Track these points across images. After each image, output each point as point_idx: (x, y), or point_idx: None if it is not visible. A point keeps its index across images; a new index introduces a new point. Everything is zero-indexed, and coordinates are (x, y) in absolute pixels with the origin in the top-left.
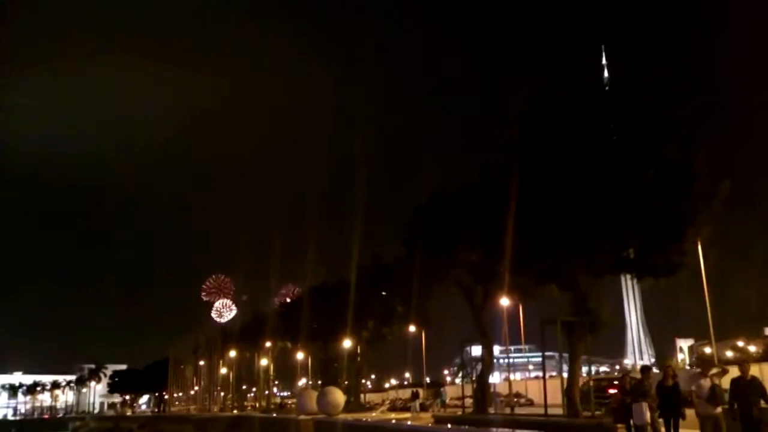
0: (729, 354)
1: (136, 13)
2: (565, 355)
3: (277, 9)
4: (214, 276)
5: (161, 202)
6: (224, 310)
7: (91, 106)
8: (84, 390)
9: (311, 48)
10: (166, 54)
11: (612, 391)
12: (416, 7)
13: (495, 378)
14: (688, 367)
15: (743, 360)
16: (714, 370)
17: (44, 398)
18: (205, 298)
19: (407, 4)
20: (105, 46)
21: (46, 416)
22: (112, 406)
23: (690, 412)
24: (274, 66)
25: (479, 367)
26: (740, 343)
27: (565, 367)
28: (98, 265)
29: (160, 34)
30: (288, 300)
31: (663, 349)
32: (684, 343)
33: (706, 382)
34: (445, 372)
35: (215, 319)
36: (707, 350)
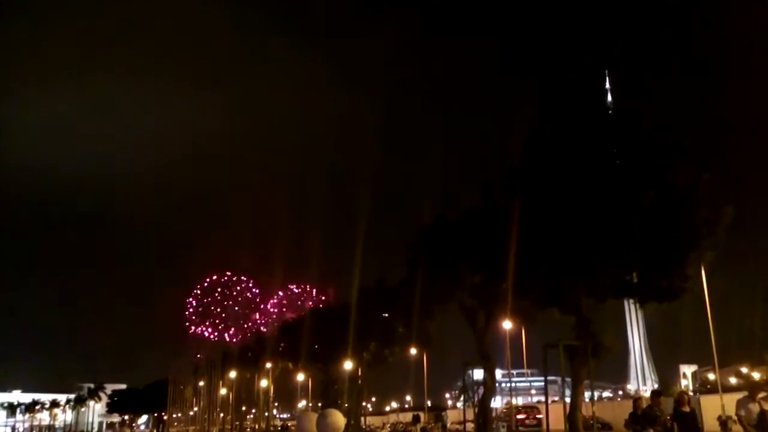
0: (732, 380)
1: (138, 30)
2: (568, 379)
3: (278, 25)
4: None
5: (161, 220)
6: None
7: (92, 122)
8: (83, 409)
9: (313, 66)
10: (166, 70)
11: (520, 416)
12: (419, 27)
13: (497, 402)
14: (692, 393)
15: None
16: (762, 394)
17: (43, 417)
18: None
19: (410, 24)
20: (106, 63)
21: None
22: (110, 425)
23: None
24: (276, 84)
25: (481, 390)
26: (744, 369)
27: (568, 392)
28: (98, 284)
29: (160, 51)
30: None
31: (666, 375)
32: (687, 369)
33: (754, 407)
34: (447, 395)
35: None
36: (711, 376)
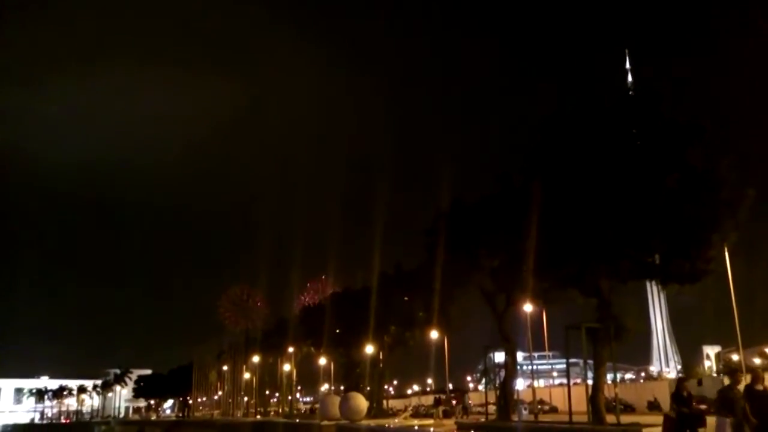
0: (757, 361)
1: (160, 20)
2: (590, 361)
3: (297, 14)
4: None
5: (185, 207)
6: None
7: (114, 114)
8: (110, 394)
9: (330, 52)
10: (188, 60)
11: (453, 401)
12: (437, 12)
13: (518, 385)
14: (715, 375)
15: None
16: None
17: (70, 402)
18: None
19: (428, 9)
20: (130, 54)
21: (66, 420)
22: (137, 410)
23: None
24: (294, 71)
25: (502, 373)
26: None
27: (590, 374)
28: (124, 270)
29: (181, 41)
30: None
31: (689, 356)
32: (711, 350)
33: None
34: (468, 378)
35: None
36: (734, 357)
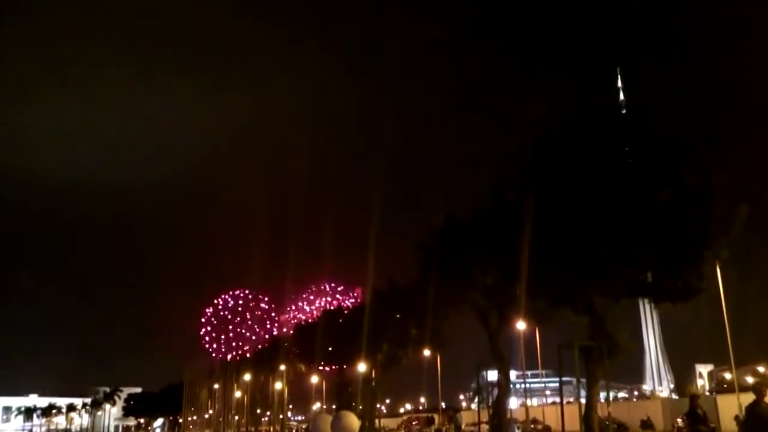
0: (749, 379)
1: (155, 33)
2: (583, 380)
3: (297, 16)
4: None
5: (177, 222)
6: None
7: (109, 128)
8: (99, 413)
9: (329, 54)
10: (184, 72)
11: (414, 423)
12: (432, 27)
13: (512, 403)
14: (707, 393)
15: None
16: None
17: (59, 421)
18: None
19: (425, 23)
20: (123, 67)
21: None
22: (126, 429)
23: None
24: (293, 77)
25: (495, 391)
26: (761, 369)
27: (583, 393)
28: (114, 288)
29: (178, 53)
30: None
31: (682, 375)
32: (703, 369)
33: None
34: (461, 397)
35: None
36: (727, 375)
